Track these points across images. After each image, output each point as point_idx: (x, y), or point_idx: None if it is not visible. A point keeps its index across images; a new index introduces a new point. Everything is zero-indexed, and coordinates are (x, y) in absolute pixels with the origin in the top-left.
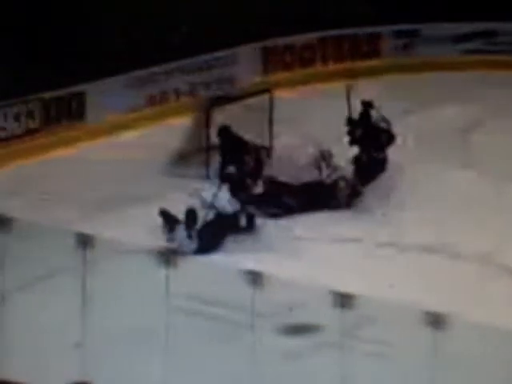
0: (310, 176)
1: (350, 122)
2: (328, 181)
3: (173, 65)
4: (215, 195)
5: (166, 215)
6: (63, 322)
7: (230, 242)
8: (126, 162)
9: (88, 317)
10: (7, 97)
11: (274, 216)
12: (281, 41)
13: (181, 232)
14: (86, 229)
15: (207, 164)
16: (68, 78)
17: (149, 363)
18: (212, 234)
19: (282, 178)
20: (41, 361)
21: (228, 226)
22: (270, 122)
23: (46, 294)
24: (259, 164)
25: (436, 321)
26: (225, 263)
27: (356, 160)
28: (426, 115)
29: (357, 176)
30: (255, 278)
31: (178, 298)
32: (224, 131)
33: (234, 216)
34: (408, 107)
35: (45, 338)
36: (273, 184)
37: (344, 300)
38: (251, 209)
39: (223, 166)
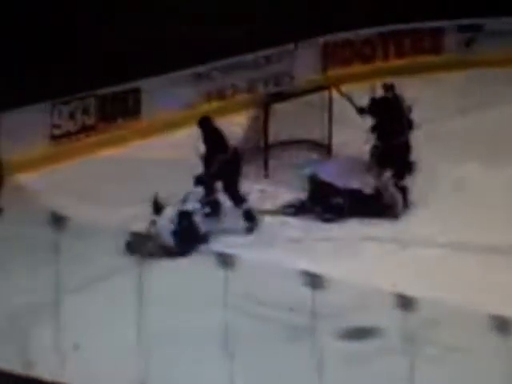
0: (363, 181)
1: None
2: (380, 190)
3: (230, 61)
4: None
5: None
6: (119, 323)
7: (286, 241)
8: (179, 161)
9: (144, 318)
10: (62, 94)
11: (328, 221)
12: (340, 36)
13: (163, 221)
14: (140, 229)
15: (265, 163)
16: (124, 74)
17: (206, 365)
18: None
19: (335, 180)
20: (97, 362)
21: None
22: (330, 119)
23: (101, 295)
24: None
25: (502, 324)
26: (283, 264)
27: (374, 148)
28: (483, 114)
29: (375, 163)
30: (315, 280)
31: (237, 300)
32: (205, 122)
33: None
34: (465, 105)
35: (102, 338)
36: (319, 184)
37: (406, 302)
38: (289, 211)
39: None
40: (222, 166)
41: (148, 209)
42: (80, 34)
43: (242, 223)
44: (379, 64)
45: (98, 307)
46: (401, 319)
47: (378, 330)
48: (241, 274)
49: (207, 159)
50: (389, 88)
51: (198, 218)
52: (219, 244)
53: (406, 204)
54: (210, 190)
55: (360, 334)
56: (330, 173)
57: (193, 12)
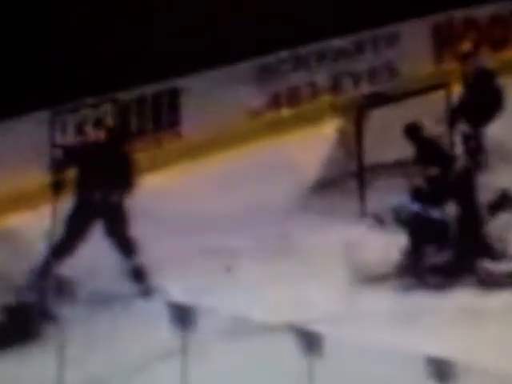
0: None
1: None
2: None
3: (307, 49)
4: None
5: None
6: None
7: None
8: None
9: None
10: (65, 99)
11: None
12: (459, 13)
13: None
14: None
15: (361, 194)
16: (156, 69)
17: None
18: None
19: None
20: None
21: None
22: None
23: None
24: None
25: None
26: (393, 346)
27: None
28: None
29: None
30: (445, 370)
31: None
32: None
33: None
34: None
35: None
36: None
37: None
38: None
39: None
40: None
41: None
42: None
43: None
44: None
45: None
46: None
47: None
48: (333, 362)
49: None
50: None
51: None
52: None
53: None
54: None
55: None
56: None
57: None
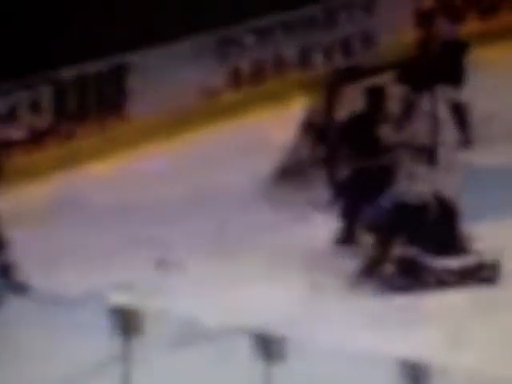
0: None
1: None
2: None
3: (270, 19)
4: None
5: None
6: None
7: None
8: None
9: None
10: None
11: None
12: None
13: None
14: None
15: (330, 184)
16: (101, 44)
17: None
18: None
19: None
20: None
21: None
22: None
23: None
24: None
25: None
26: (357, 348)
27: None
28: None
29: None
30: (411, 372)
31: None
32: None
33: None
34: None
35: None
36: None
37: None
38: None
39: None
40: None
41: None
42: None
43: None
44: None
45: None
46: None
47: None
48: (293, 368)
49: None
50: None
51: None
52: None
53: None
54: None
55: None
56: None
57: None
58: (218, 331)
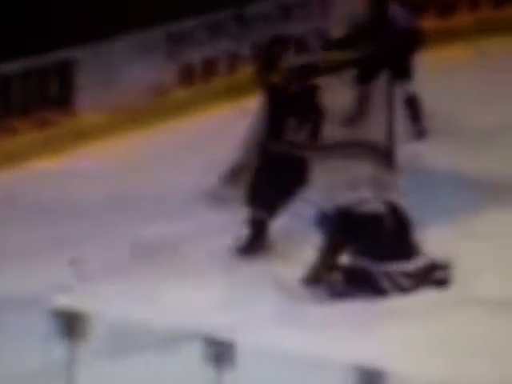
0: None
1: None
2: None
3: (223, 14)
4: None
5: None
6: None
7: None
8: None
9: None
10: None
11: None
12: None
13: None
14: None
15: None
16: (44, 39)
17: None
18: None
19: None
20: None
21: None
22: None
23: None
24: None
25: None
26: (308, 353)
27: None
28: None
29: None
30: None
31: None
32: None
33: None
34: None
35: None
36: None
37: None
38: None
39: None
40: None
41: None
42: None
43: None
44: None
45: None
46: None
47: None
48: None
49: None
50: None
51: None
52: None
53: None
54: None
55: None
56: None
57: None
58: (163, 335)
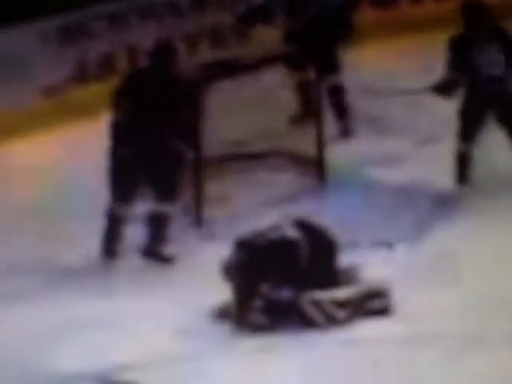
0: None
1: None
2: None
3: (124, 5)
4: None
5: None
6: None
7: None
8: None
9: None
10: None
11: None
12: None
13: None
14: None
15: (197, 198)
16: None
17: None
18: None
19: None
20: None
21: None
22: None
23: None
24: None
25: None
26: None
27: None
28: None
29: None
30: None
31: None
32: None
33: None
34: None
35: None
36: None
37: None
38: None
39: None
40: None
41: None
42: None
43: None
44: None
45: None
46: None
47: None
48: None
49: None
50: None
51: None
52: None
53: None
54: None
55: None
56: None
57: None
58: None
